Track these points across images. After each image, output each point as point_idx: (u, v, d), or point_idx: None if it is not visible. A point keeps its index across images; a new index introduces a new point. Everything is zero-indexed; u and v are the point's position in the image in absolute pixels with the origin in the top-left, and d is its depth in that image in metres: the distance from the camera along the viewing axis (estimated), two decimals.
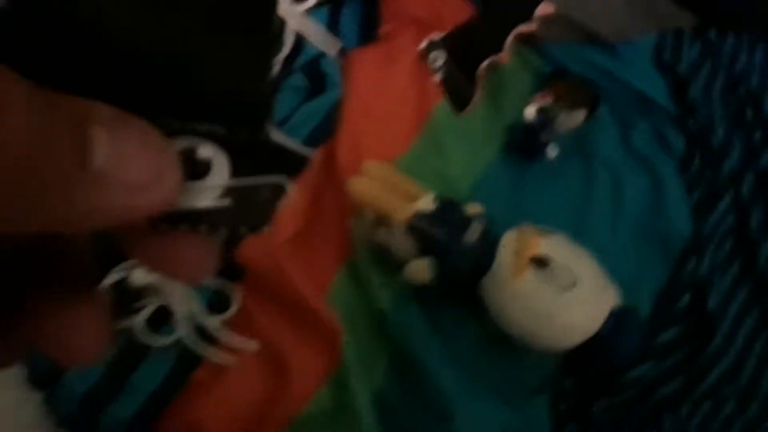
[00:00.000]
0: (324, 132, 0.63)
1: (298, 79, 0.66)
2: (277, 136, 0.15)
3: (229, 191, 0.14)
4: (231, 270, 0.58)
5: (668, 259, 0.60)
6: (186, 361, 0.57)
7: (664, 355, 0.57)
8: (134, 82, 0.13)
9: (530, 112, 0.61)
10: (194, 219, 0.14)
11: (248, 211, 0.15)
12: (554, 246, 0.54)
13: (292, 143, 0.15)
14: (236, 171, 0.14)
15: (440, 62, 0.65)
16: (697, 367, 0.56)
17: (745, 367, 0.57)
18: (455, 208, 0.57)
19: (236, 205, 0.15)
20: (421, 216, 0.55)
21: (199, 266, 0.16)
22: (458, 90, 0.65)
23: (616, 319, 0.53)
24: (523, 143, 0.63)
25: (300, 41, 0.67)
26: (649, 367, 0.55)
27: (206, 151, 0.14)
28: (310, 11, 0.67)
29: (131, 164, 0.12)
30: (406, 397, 0.55)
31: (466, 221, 0.56)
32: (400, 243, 0.56)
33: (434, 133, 0.65)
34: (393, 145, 0.65)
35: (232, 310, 0.58)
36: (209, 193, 0.14)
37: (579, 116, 0.60)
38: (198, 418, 0.54)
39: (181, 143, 0.14)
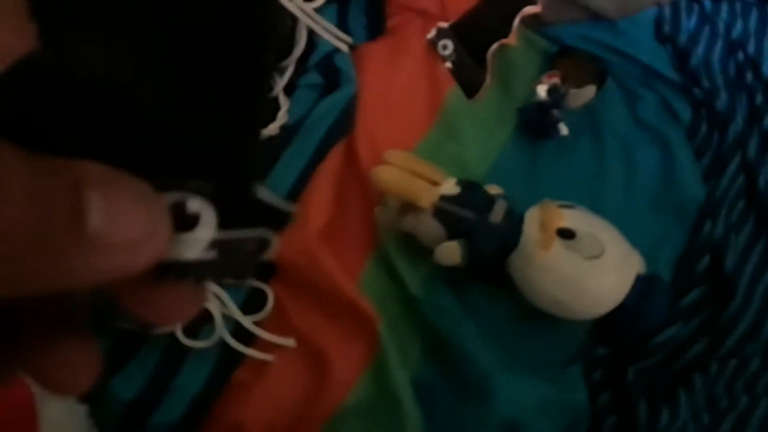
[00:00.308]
0: (342, 127, 0.64)
1: (313, 77, 0.67)
2: (263, 193, 0.15)
3: (215, 244, 0.15)
4: (263, 268, 0.60)
5: (684, 224, 0.62)
6: (226, 362, 0.57)
7: (688, 317, 0.59)
8: (127, 143, 0.13)
9: (541, 91, 0.63)
10: (181, 270, 0.15)
11: (234, 262, 0.15)
12: (578, 217, 0.55)
13: (276, 200, 0.16)
14: (223, 224, 0.15)
15: (450, 50, 0.67)
16: (720, 327, 0.58)
17: (766, 324, 0.59)
18: (478, 189, 0.59)
19: (222, 257, 0.15)
20: (446, 199, 0.57)
21: (181, 313, 0.16)
22: (469, 76, 0.66)
23: (642, 285, 0.55)
24: (536, 122, 0.65)
25: (312, 39, 0.68)
26: (675, 330, 0.57)
27: (195, 205, 0.14)
28: (320, 9, 0.68)
29: (125, 223, 0.12)
30: (443, 379, 0.56)
31: (489, 201, 0.58)
32: (428, 228, 0.58)
33: (448, 119, 0.66)
34: (410, 134, 0.66)
35: (268, 308, 0.59)
36: (197, 245, 0.15)
37: (589, 92, 0.61)
38: (241, 418, 0.55)
39: (171, 197, 0.14)
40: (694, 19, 0.70)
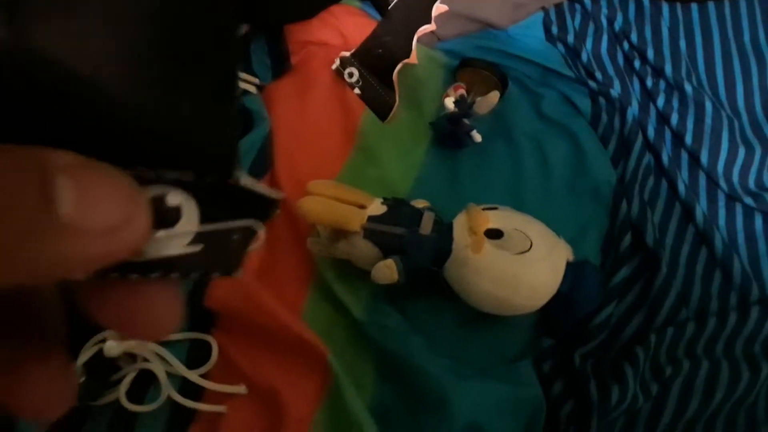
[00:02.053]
0: (262, 165, 0.64)
1: None
2: (246, 180, 0.14)
3: (200, 237, 0.14)
4: (203, 319, 0.58)
5: (603, 208, 0.64)
6: (178, 421, 0.55)
7: (621, 295, 0.60)
8: (102, 132, 0.13)
9: (449, 103, 0.64)
10: (166, 266, 0.14)
11: (220, 255, 0.15)
12: (502, 217, 0.56)
13: (261, 187, 0.15)
14: (206, 216, 0.14)
15: (356, 76, 0.68)
16: (652, 299, 0.59)
17: (693, 289, 0.62)
18: (404, 205, 0.59)
19: (208, 251, 0.14)
20: (374, 219, 0.57)
21: (165, 321, 0.15)
22: (378, 99, 0.67)
23: (574, 272, 0.56)
24: (449, 134, 0.66)
25: None
26: (612, 309, 0.58)
27: (175, 198, 0.14)
28: None
29: (98, 209, 0.12)
30: (400, 398, 0.55)
31: (417, 215, 0.58)
32: (361, 250, 0.58)
33: (365, 143, 0.67)
34: (330, 163, 0.66)
35: (213, 358, 0.57)
36: (180, 240, 0.14)
37: (493, 97, 0.63)
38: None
39: (151, 191, 0.13)
40: (578, 18, 0.73)
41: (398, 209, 0.58)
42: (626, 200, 0.63)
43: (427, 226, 0.57)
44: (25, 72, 0.12)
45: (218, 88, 0.14)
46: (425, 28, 0.66)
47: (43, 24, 0.12)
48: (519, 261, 0.53)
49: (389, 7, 0.66)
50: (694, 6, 0.73)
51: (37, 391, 0.15)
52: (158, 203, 0.14)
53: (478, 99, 0.63)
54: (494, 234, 0.54)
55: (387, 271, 0.56)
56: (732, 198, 0.64)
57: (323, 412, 0.54)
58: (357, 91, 0.68)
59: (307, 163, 0.65)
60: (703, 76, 0.70)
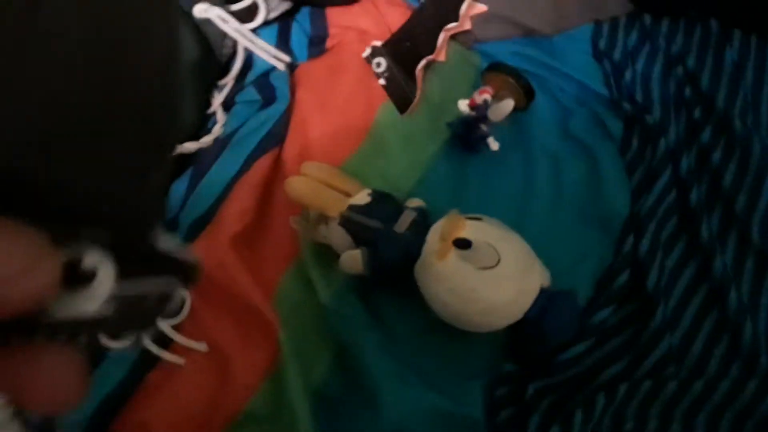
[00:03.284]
0: (272, 140, 0.65)
1: (250, 93, 0.68)
2: (165, 242, 0.14)
3: (113, 299, 0.14)
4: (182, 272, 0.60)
5: (609, 240, 0.59)
6: (143, 364, 0.58)
7: (605, 337, 0.56)
8: (14, 193, 0.12)
9: (462, 105, 0.62)
10: (75, 328, 0.14)
11: (132, 317, 0.15)
12: (480, 229, 0.54)
13: (179, 250, 0.15)
14: (122, 278, 0.14)
15: (383, 67, 0.67)
16: (639, 348, 0.54)
17: (693, 347, 0.55)
18: (388, 199, 0.58)
19: (120, 313, 0.14)
20: (354, 209, 0.56)
21: (67, 393, 0.14)
22: (401, 92, 0.66)
23: (547, 299, 0.52)
24: (463, 137, 0.64)
25: (250, 58, 0.70)
26: (585, 348, 0.54)
27: (92, 259, 0.13)
28: (261, 29, 0.70)
29: None
30: (345, 391, 0.55)
31: (398, 211, 0.57)
32: (336, 237, 0.57)
33: (378, 134, 0.66)
34: (341, 149, 0.66)
35: (185, 312, 0.59)
36: (93, 300, 0.14)
37: (507, 105, 0.60)
38: (148, 417, 0.55)
39: (67, 252, 0.13)
40: (634, 36, 0.67)
41: (381, 203, 0.57)
42: (635, 236, 0.58)
43: (403, 224, 0.56)
44: None
45: (139, 161, 0.14)
46: (456, 27, 0.64)
47: None
48: (479, 276, 0.50)
49: (422, 1, 0.65)
50: None
51: (50, 382, 0.14)
52: (74, 264, 0.13)
53: (493, 105, 0.61)
54: (462, 244, 0.52)
55: (352, 261, 0.56)
56: (763, 257, 0.56)
57: (267, 386, 0.55)
58: (382, 81, 0.67)
59: (317, 145, 0.65)
60: (765, 118, 0.61)
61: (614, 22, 0.68)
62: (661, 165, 0.60)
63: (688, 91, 0.63)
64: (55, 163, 0.12)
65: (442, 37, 0.63)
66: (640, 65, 0.66)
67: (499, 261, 0.51)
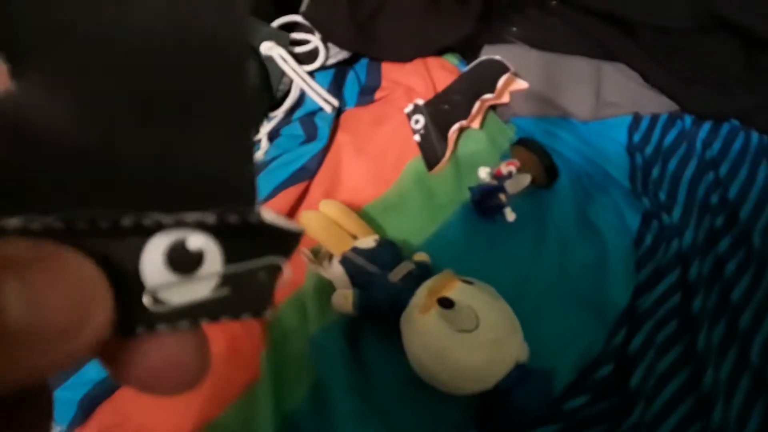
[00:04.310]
0: (306, 173, 0.69)
1: (295, 128, 0.73)
2: (268, 215, 0.14)
3: (225, 279, 0.14)
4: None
5: (602, 330, 0.59)
6: None
7: (577, 427, 0.55)
8: (116, 182, 0.12)
9: (482, 173, 0.64)
10: (194, 313, 0.13)
11: (248, 296, 0.14)
12: (468, 292, 0.55)
13: (282, 221, 0.14)
14: (230, 257, 0.14)
15: (421, 124, 0.70)
16: None
17: None
18: (392, 248, 0.61)
19: (235, 293, 0.14)
20: (357, 251, 0.59)
21: (194, 372, 0.14)
22: (432, 149, 0.69)
23: (521, 374, 0.52)
24: (480, 203, 0.65)
25: (303, 96, 0.75)
26: (551, 430, 0.53)
27: (196, 241, 0.13)
28: (318, 72, 0.76)
29: (48, 312, 0.10)
30: (313, 423, 0.56)
31: (398, 261, 0.59)
32: (336, 275, 0.60)
33: (403, 186, 0.69)
34: (366, 193, 0.69)
35: None
36: (205, 284, 0.14)
37: (524, 180, 0.61)
38: (128, 410, 0.59)
39: (170, 237, 0.13)
40: (672, 134, 0.67)
41: (383, 250, 0.60)
42: (629, 331, 0.57)
43: (398, 273, 0.58)
44: (29, 128, 0.11)
45: (230, 126, 0.13)
46: (492, 98, 0.67)
47: (40, 77, 0.11)
48: (453, 337, 0.52)
49: (465, 70, 0.68)
50: None
51: (176, 366, 0.14)
52: (179, 248, 0.13)
53: (512, 178, 0.62)
54: (445, 303, 0.54)
55: (343, 300, 0.58)
56: (759, 377, 0.54)
57: (241, 403, 0.58)
58: (417, 137, 0.70)
59: (345, 185, 0.69)
60: None
61: (654, 118, 0.68)
62: (670, 266, 0.59)
63: (714, 198, 0.62)
64: (157, 128, 0.12)
65: (477, 106, 0.66)
66: (672, 164, 0.66)
67: (477, 326, 0.52)
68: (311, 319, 0.60)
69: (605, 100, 0.68)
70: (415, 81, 0.75)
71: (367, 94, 0.76)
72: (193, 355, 0.14)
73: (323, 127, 0.72)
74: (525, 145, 0.65)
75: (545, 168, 0.63)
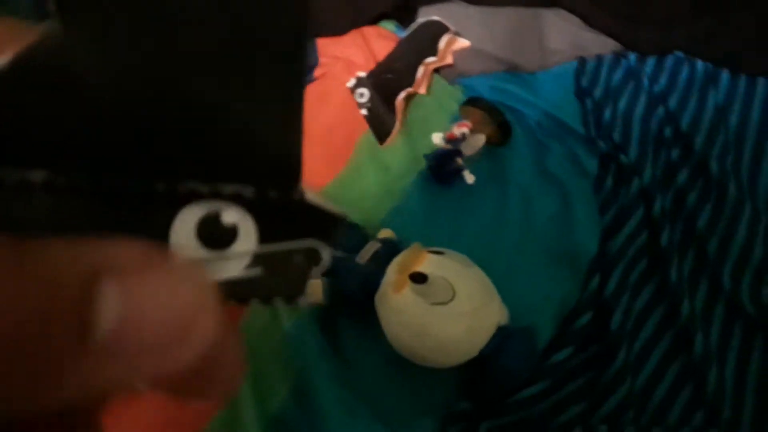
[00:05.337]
0: None
1: None
2: (311, 195, 0.13)
3: (258, 259, 0.13)
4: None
5: (575, 280, 0.58)
6: None
7: (564, 379, 0.55)
8: (155, 143, 0.11)
9: (436, 138, 0.62)
10: (222, 293, 0.12)
11: (281, 279, 0.13)
12: (439, 263, 0.54)
13: (325, 203, 0.13)
14: (265, 236, 0.13)
15: (366, 97, 0.68)
16: (596, 392, 0.53)
17: (655, 393, 0.54)
18: (355, 231, 0.59)
19: (268, 274, 0.13)
20: None
21: (234, 371, 0.13)
22: (380, 122, 0.67)
23: (503, 338, 0.52)
24: (437, 170, 0.64)
25: None
26: (541, 389, 0.53)
27: (231, 216, 0.12)
28: None
29: (148, 322, 0.10)
30: (301, 418, 0.55)
31: (363, 242, 0.58)
32: None
33: (357, 163, 0.67)
34: (321, 175, 0.67)
35: None
36: (237, 262, 0.13)
37: (479, 140, 0.60)
38: (109, 422, 0.56)
39: (203, 209, 0.12)
40: (619, 73, 0.67)
41: (347, 233, 0.58)
42: (602, 276, 0.57)
43: (365, 254, 0.56)
44: (73, 78, 0.11)
45: (289, 91, 0.12)
46: (436, 61, 0.65)
47: (89, 19, 0.11)
48: (431, 311, 0.50)
49: (404, 35, 0.66)
50: (761, 80, 0.63)
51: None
52: (212, 221, 0.12)
53: (466, 140, 0.61)
54: (418, 278, 0.52)
55: (312, 290, 0.56)
56: (733, 303, 0.55)
57: (223, 414, 0.56)
58: (364, 111, 0.68)
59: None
60: (746, 159, 0.60)
61: (599, 59, 0.68)
62: (633, 205, 0.59)
63: (668, 131, 0.62)
64: (207, 90, 0.11)
65: (421, 70, 0.64)
66: (622, 104, 0.65)
67: (453, 297, 0.51)
68: (284, 315, 0.59)
69: (549, 48, 0.66)
70: (353, 53, 0.72)
71: (307, 71, 0.73)
72: (230, 353, 0.13)
73: None
74: (474, 104, 0.64)
75: (498, 124, 0.61)
